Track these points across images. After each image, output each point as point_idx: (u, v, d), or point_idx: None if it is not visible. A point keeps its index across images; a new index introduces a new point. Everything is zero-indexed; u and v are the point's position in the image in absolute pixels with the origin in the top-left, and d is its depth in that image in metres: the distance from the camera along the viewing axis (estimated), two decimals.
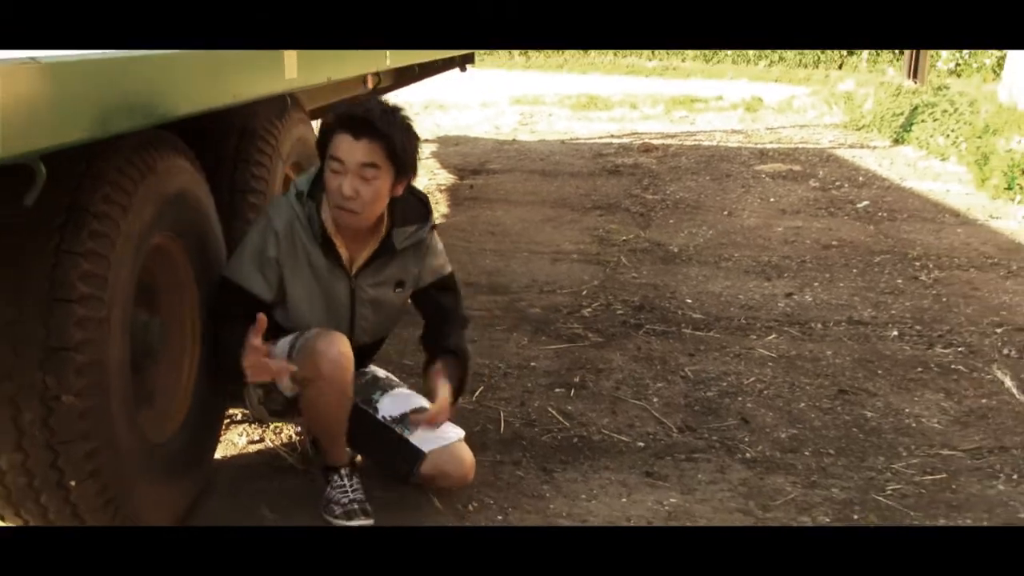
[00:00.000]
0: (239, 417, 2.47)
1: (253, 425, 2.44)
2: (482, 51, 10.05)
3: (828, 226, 4.76)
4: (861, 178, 6.12)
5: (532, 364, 2.90)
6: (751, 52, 14.68)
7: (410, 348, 2.63)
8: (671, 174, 6.23)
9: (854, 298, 3.59)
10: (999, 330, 3.23)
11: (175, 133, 1.91)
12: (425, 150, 6.05)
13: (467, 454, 2.09)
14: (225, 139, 2.39)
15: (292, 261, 1.98)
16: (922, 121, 7.33)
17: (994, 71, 11.21)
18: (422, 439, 2.05)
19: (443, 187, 5.66)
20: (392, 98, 2.15)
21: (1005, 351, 3.04)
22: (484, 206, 5.11)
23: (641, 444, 2.40)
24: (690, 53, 15.11)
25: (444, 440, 2.06)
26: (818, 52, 14.21)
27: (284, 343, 1.98)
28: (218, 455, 2.23)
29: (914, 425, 2.53)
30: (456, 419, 2.13)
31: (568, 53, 15.44)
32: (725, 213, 5.05)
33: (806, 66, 14.34)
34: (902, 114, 7.85)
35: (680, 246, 4.33)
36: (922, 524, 2.03)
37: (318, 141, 1.98)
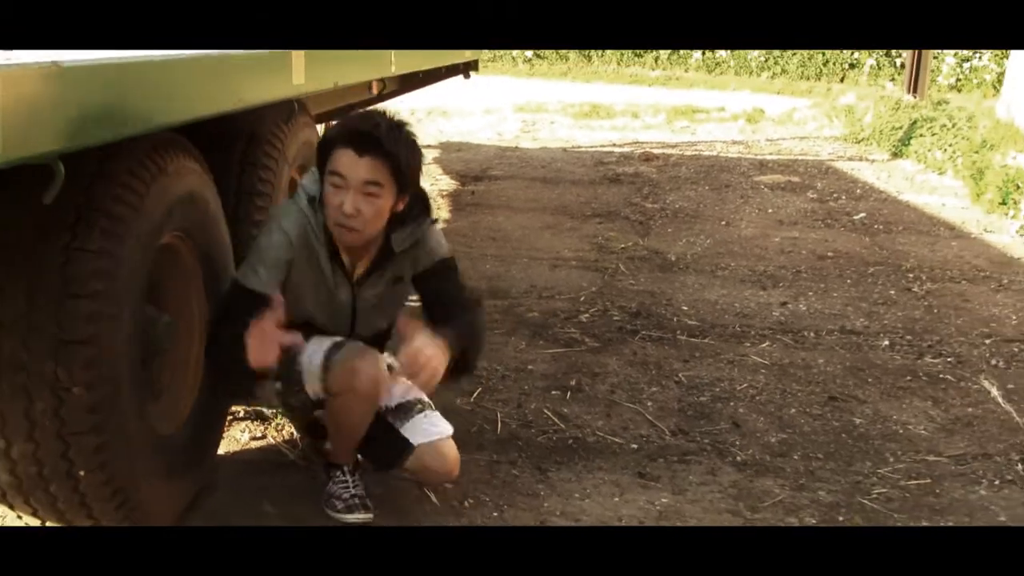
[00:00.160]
0: (241, 414, 2.52)
1: (255, 422, 2.50)
2: (486, 59, 10.13)
3: (824, 237, 4.82)
4: (859, 190, 6.18)
5: (529, 367, 2.96)
6: (753, 64, 14.75)
7: None
8: (671, 183, 6.29)
9: (847, 308, 3.65)
10: (988, 341, 3.29)
11: (185, 136, 1.97)
12: (428, 156, 6.11)
13: (452, 451, 2.08)
14: (233, 143, 2.45)
15: (305, 264, 1.97)
16: (920, 135, 7.39)
17: (994, 87, 11.29)
18: (412, 431, 2.05)
19: (445, 193, 5.73)
20: (396, 104, 2.18)
21: (993, 361, 3.10)
22: (485, 212, 5.18)
23: (634, 446, 2.45)
24: (693, 63, 15.18)
25: (434, 435, 2.05)
26: (820, 65, 14.29)
27: (317, 352, 1.96)
28: (221, 451, 2.29)
29: (901, 432, 2.58)
30: (453, 419, 2.18)
31: (572, 62, 15.52)
32: (723, 223, 5.11)
33: (808, 78, 14.41)
34: (901, 128, 7.92)
35: (678, 254, 4.39)
36: (906, 527, 2.08)
37: (318, 152, 1.93)
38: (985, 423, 2.65)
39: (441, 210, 5.19)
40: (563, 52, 15.66)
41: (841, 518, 2.12)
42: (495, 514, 2.10)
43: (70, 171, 1.40)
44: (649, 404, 2.71)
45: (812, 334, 3.34)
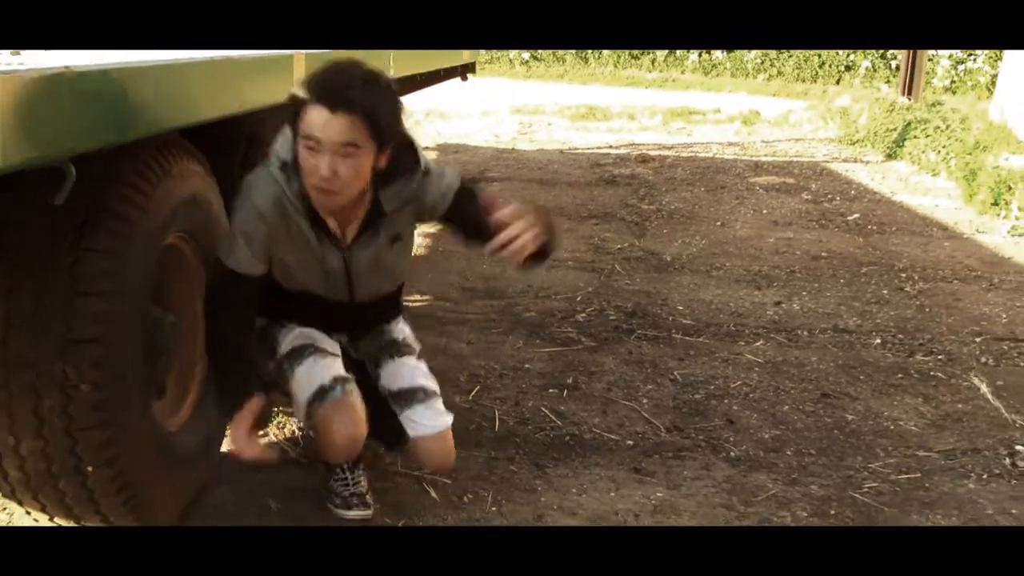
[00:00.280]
0: None
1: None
2: (483, 61, 10.16)
3: (818, 238, 4.86)
4: (853, 192, 6.23)
5: (527, 366, 3.00)
6: (749, 66, 14.81)
7: None
8: (667, 185, 6.34)
9: (840, 307, 3.69)
10: (978, 339, 3.34)
11: (188, 139, 2.01)
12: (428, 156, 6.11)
13: (447, 445, 2.05)
14: (235, 145, 2.48)
15: (284, 235, 1.86)
16: (915, 137, 7.45)
17: (988, 88, 11.35)
18: (410, 421, 2.02)
19: None
20: None
21: (983, 359, 3.15)
22: None
23: (630, 442, 2.50)
24: (689, 65, 15.24)
25: (429, 429, 2.02)
26: (816, 67, 14.35)
27: (304, 387, 1.95)
28: (223, 448, 2.32)
29: (892, 428, 2.63)
30: (452, 417, 2.21)
31: (568, 64, 15.57)
32: (718, 224, 5.16)
33: (804, 80, 14.48)
34: (895, 130, 7.98)
35: (673, 255, 4.44)
36: (896, 519, 2.13)
37: (288, 109, 1.75)
38: (974, 419, 2.69)
39: None
40: (560, 54, 15.71)
41: (833, 512, 2.17)
42: (494, 509, 2.14)
43: (78, 173, 1.44)
44: (645, 401, 2.76)
45: (805, 333, 3.38)
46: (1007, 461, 2.44)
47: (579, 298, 3.71)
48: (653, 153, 7.70)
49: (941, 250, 4.65)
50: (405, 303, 2.22)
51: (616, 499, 2.20)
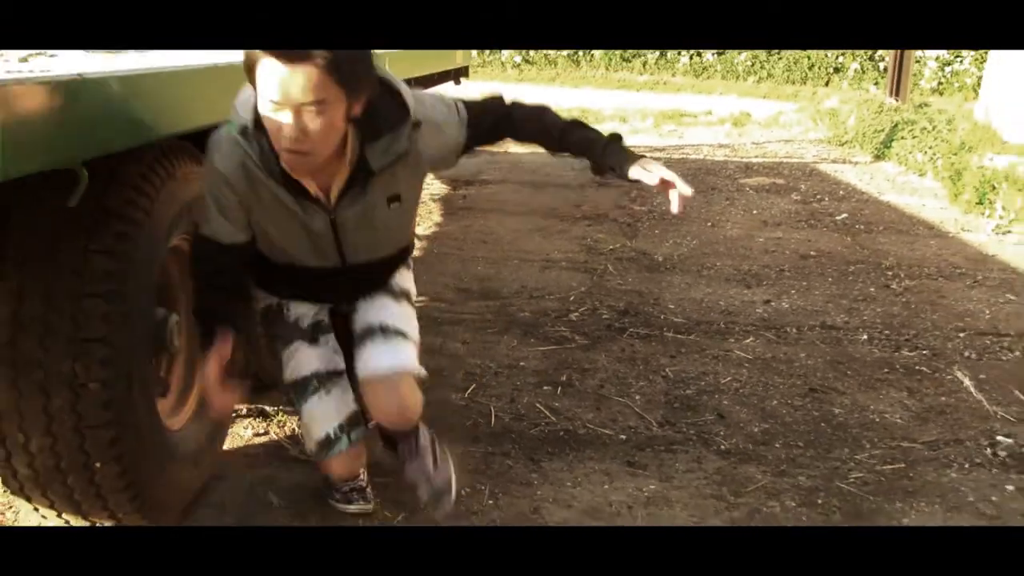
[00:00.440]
0: (244, 411, 2.61)
1: (258, 419, 2.59)
2: (475, 64, 10.21)
3: (807, 237, 4.94)
4: (841, 192, 6.31)
5: (521, 364, 3.06)
6: (740, 68, 14.92)
7: None
8: None
9: (828, 305, 3.77)
10: (962, 335, 3.42)
11: (191, 143, 2.06)
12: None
13: (397, 392, 1.85)
14: None
15: (256, 202, 1.72)
16: (902, 138, 7.54)
17: (974, 90, 11.47)
18: (359, 361, 1.87)
19: (437, 197, 5.83)
20: None
21: (966, 353, 3.22)
22: (477, 216, 5.28)
23: (623, 437, 2.56)
24: (680, 68, 15.33)
25: (375, 369, 1.84)
26: (806, 69, 14.47)
27: (314, 434, 1.95)
28: (225, 446, 2.38)
29: (877, 420, 2.70)
30: (449, 415, 2.27)
31: (560, 67, 15.65)
32: (709, 224, 5.23)
33: (794, 83, 14.58)
34: (883, 131, 8.07)
35: (665, 255, 4.50)
36: (881, 508, 2.19)
37: (245, 65, 1.56)
38: (957, 411, 2.77)
39: (433, 214, 5.30)
40: (552, 57, 15.78)
41: (820, 501, 2.23)
42: (491, 502, 2.20)
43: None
44: (637, 397, 2.82)
45: (794, 330, 3.45)
46: (988, 451, 2.51)
47: (572, 298, 3.77)
48: (645, 155, 7.76)
49: (927, 248, 4.73)
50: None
51: (610, 491, 2.26)
